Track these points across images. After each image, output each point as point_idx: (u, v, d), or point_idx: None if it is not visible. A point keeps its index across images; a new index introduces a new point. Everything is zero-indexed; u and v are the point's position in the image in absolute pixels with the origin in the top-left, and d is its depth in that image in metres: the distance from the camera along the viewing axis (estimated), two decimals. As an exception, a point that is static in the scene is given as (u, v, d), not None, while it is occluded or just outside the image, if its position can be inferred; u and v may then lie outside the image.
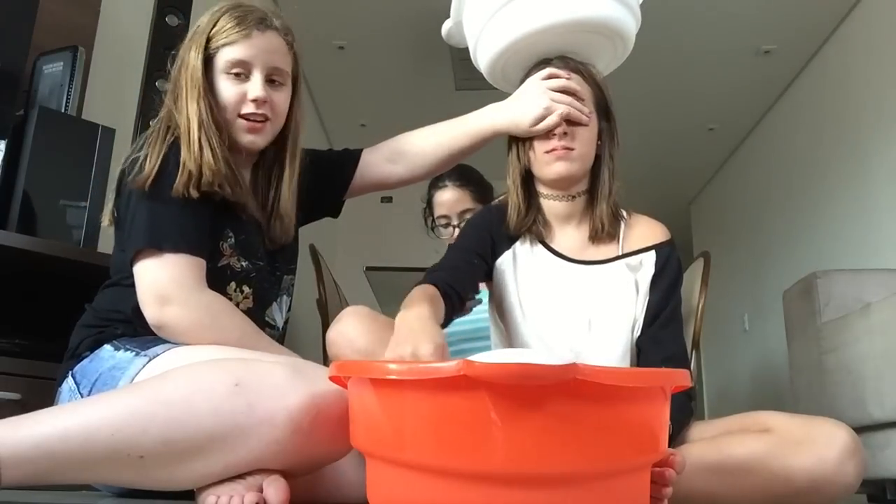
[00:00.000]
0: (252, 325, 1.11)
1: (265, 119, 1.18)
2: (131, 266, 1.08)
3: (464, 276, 1.25)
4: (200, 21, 1.19)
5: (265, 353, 1.03)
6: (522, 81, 1.34)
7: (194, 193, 1.09)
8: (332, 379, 0.84)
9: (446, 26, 1.50)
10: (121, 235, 1.14)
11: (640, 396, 0.72)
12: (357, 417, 0.80)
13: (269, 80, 1.19)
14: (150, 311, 1.05)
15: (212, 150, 1.11)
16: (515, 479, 0.68)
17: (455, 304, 1.20)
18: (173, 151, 1.11)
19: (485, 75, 1.46)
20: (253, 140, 1.19)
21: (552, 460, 0.68)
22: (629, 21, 1.36)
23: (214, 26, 1.17)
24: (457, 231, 1.91)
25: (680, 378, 0.76)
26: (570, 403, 0.67)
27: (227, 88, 1.17)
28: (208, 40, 1.16)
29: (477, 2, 1.39)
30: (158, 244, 1.05)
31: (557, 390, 0.66)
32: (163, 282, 1.04)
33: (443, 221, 1.96)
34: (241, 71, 1.17)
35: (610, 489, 0.71)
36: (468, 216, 1.90)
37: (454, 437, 0.68)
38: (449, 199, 1.93)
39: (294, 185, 1.25)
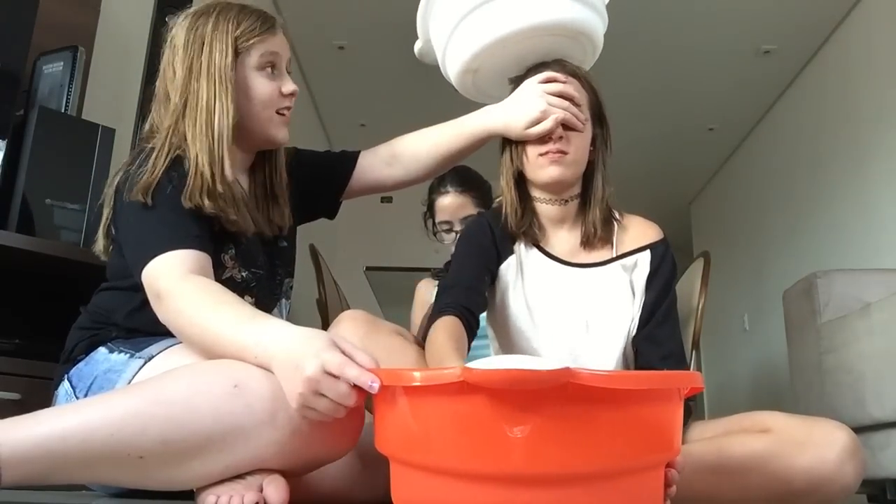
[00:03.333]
0: (238, 307, 0.99)
1: (289, 110, 1.23)
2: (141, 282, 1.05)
3: (478, 296, 1.26)
4: (201, 26, 1.17)
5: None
6: (514, 86, 1.34)
7: (207, 203, 1.08)
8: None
9: (417, 46, 1.47)
10: (118, 246, 1.13)
11: (649, 397, 0.73)
12: (376, 422, 0.83)
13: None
14: (156, 311, 1.03)
15: (231, 160, 1.12)
16: (523, 479, 0.69)
17: (474, 327, 1.22)
18: (176, 165, 1.10)
19: (461, 92, 1.45)
20: (286, 135, 1.23)
21: (558, 461, 0.69)
22: (591, 19, 1.32)
23: (239, 26, 1.17)
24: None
25: (694, 380, 0.78)
26: (568, 406, 0.68)
27: (264, 85, 1.18)
28: (236, 39, 1.16)
29: (438, 20, 1.37)
30: (153, 254, 1.03)
31: (554, 394, 0.67)
32: (150, 279, 1.02)
33: (445, 227, 1.95)
34: (274, 66, 1.20)
35: (623, 488, 0.73)
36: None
37: (467, 440, 0.71)
38: (451, 204, 1.93)
39: (283, 164, 1.28)
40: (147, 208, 1.06)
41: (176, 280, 0.99)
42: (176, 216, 1.07)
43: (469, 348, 1.19)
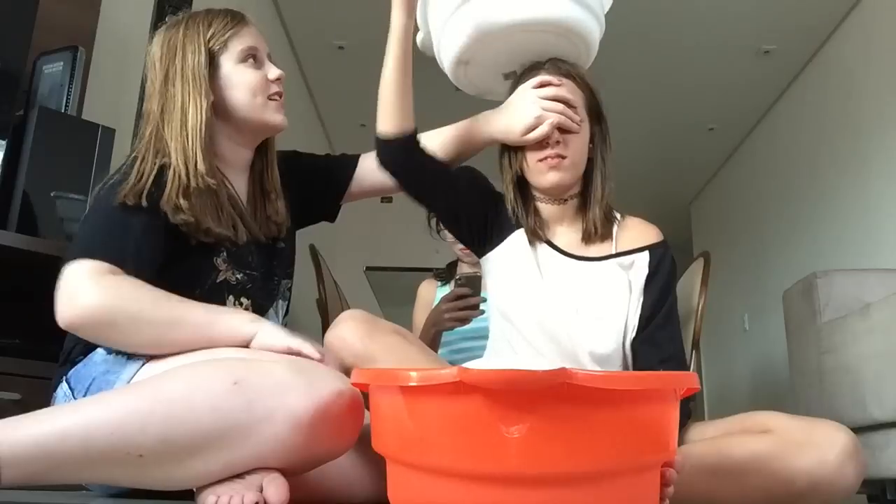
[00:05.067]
0: (167, 294, 1.03)
1: (280, 96, 1.25)
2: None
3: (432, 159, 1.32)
4: (174, 36, 1.19)
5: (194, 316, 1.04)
6: (515, 87, 1.33)
7: (184, 204, 1.08)
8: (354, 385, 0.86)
9: (419, 37, 1.48)
10: None
11: (644, 398, 0.73)
12: (373, 422, 0.83)
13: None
14: (60, 313, 0.99)
15: (205, 157, 1.12)
16: (519, 479, 0.70)
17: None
18: (159, 176, 1.10)
19: (456, 84, 1.45)
20: (283, 118, 1.25)
21: (554, 461, 0.69)
22: (582, 17, 1.31)
23: (210, 28, 1.20)
24: None
25: (690, 380, 0.78)
26: (564, 406, 0.68)
27: (249, 74, 1.21)
28: (208, 40, 1.18)
29: (434, 11, 1.37)
30: (91, 255, 1.01)
31: (550, 394, 0.67)
32: (69, 278, 1.00)
33: None
34: (255, 57, 1.22)
35: (619, 488, 0.73)
36: None
37: (465, 440, 0.71)
38: None
39: (275, 159, 1.30)
40: (125, 210, 1.06)
41: (90, 283, 0.99)
42: (138, 226, 1.06)
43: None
